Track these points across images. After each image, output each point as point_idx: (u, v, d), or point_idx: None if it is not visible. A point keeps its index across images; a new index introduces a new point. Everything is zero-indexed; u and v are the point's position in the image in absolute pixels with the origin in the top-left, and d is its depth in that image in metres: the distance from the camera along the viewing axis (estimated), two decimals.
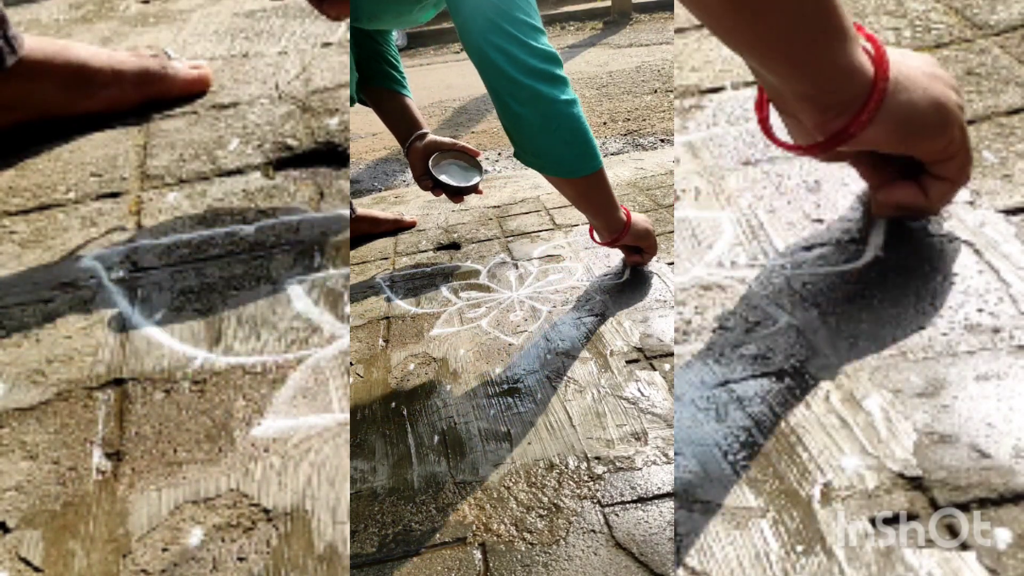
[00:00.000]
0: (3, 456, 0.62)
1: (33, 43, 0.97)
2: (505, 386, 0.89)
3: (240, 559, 0.54)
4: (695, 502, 0.50)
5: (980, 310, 0.57)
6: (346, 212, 0.87)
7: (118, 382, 0.68)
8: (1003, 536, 0.43)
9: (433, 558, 0.64)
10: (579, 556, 0.62)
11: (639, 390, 0.84)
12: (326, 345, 0.70)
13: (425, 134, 1.38)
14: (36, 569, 0.54)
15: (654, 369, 0.88)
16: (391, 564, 0.64)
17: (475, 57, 0.94)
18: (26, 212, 0.90)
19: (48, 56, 0.98)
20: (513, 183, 1.73)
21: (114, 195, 0.91)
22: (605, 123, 2.56)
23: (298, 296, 0.76)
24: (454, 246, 1.38)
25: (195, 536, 0.55)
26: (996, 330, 0.55)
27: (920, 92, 0.50)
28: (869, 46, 0.48)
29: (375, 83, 1.40)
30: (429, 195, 1.74)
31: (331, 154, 0.96)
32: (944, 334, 0.56)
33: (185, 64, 1.09)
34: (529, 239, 1.35)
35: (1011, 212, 0.64)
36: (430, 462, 0.77)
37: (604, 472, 0.72)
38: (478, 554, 0.64)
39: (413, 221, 1.54)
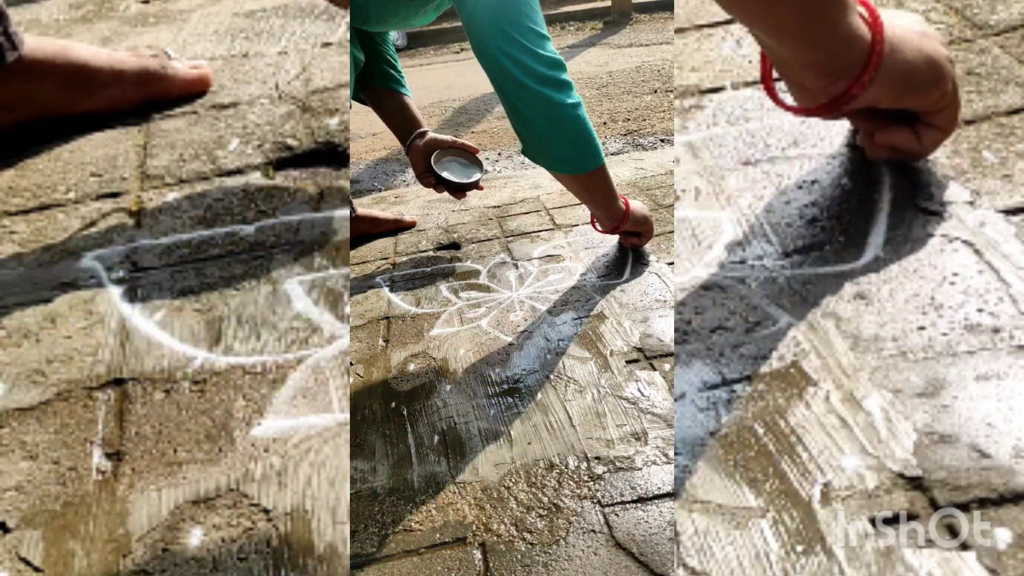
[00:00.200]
0: (3, 456, 0.62)
1: (33, 43, 0.97)
2: (505, 386, 0.89)
3: (240, 559, 0.54)
4: (695, 502, 0.50)
5: (980, 310, 0.57)
6: (346, 212, 0.87)
7: (118, 382, 0.68)
8: (1003, 536, 0.43)
9: (433, 558, 0.64)
10: (579, 556, 0.62)
11: (639, 390, 0.84)
12: (326, 345, 0.70)
13: (425, 132, 1.39)
14: (36, 569, 0.54)
15: (654, 369, 0.88)
16: (391, 564, 0.64)
17: (486, 62, 1.00)
18: (26, 212, 0.90)
19: (48, 56, 0.98)
20: (513, 183, 1.73)
21: (114, 195, 0.91)
22: (605, 123, 2.56)
23: (298, 296, 0.76)
24: (454, 246, 1.38)
25: (195, 536, 0.55)
26: (996, 330, 0.55)
27: (914, 51, 0.54)
28: (864, 11, 0.51)
29: (375, 83, 1.40)
30: (429, 195, 1.74)
31: (331, 154, 0.96)
32: (944, 334, 0.56)
33: (185, 64, 1.09)
34: (529, 239, 1.35)
35: (1011, 212, 0.64)
36: (430, 462, 0.77)
37: (604, 472, 0.72)
38: (478, 554, 0.64)
39: (413, 221, 1.54)
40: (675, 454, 0.53)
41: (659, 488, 0.68)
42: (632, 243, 1.22)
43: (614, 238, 1.27)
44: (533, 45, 0.97)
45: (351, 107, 1.35)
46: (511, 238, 1.37)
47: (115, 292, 0.77)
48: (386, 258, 1.37)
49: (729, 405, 0.55)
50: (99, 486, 0.59)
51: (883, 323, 0.58)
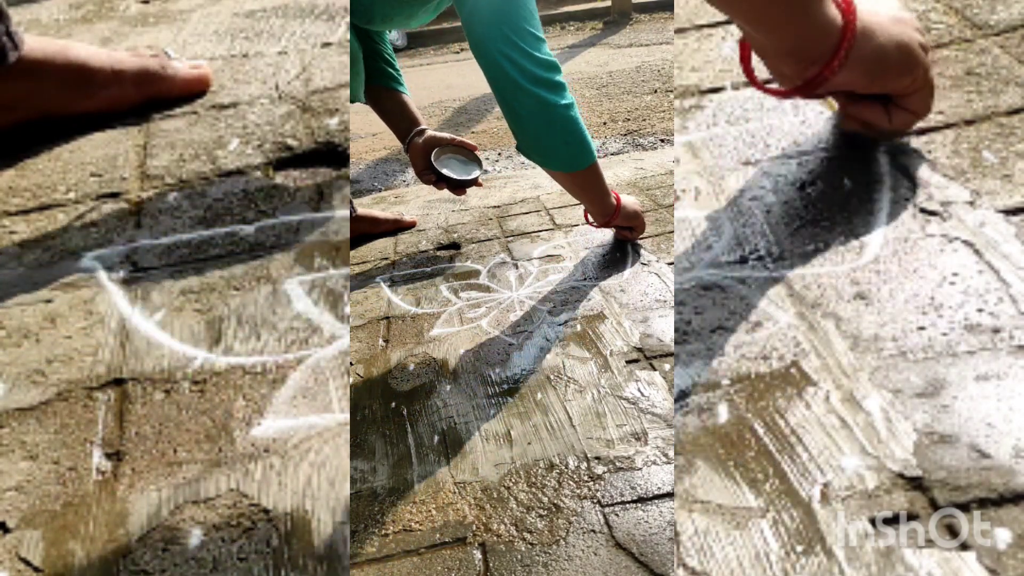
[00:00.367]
0: (3, 456, 0.62)
1: (33, 43, 0.97)
2: (505, 386, 0.89)
3: (240, 559, 0.54)
4: (695, 502, 0.50)
5: (980, 310, 0.57)
6: (346, 212, 0.87)
7: (118, 382, 0.68)
8: (1003, 536, 0.43)
9: (433, 558, 0.64)
10: (579, 556, 0.62)
11: (639, 390, 0.84)
12: (326, 345, 0.70)
13: (424, 130, 1.39)
14: (36, 569, 0.54)
15: (654, 369, 0.88)
16: (391, 564, 0.64)
17: (484, 62, 1.03)
18: (26, 212, 0.90)
19: (48, 56, 0.98)
20: (513, 183, 1.73)
21: (114, 195, 0.91)
22: (605, 123, 2.56)
23: (298, 296, 0.76)
24: (454, 246, 1.38)
25: (195, 536, 0.55)
26: (996, 330, 0.55)
27: (887, 37, 0.56)
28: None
29: (374, 81, 1.40)
30: (429, 195, 1.74)
31: (331, 154, 0.96)
32: (944, 334, 0.56)
33: (185, 64, 1.09)
34: (529, 239, 1.35)
35: (1011, 212, 0.64)
36: (430, 462, 0.77)
37: (604, 472, 0.72)
38: (478, 554, 0.64)
39: (413, 221, 1.54)
40: (675, 454, 0.53)
41: (659, 488, 0.68)
42: (624, 236, 1.27)
43: (614, 238, 1.28)
44: (530, 47, 1.00)
45: (361, 99, 1.35)
46: (511, 238, 1.37)
47: (115, 292, 0.77)
48: (386, 258, 1.37)
49: (729, 405, 0.55)
50: (99, 486, 0.59)
51: (883, 323, 0.58)
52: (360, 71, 1.28)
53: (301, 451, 0.61)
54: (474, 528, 0.67)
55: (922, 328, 0.57)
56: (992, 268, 0.60)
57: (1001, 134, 0.71)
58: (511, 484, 0.72)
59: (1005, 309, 0.56)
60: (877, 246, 0.65)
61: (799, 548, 0.45)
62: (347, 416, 0.64)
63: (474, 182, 1.35)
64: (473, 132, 2.76)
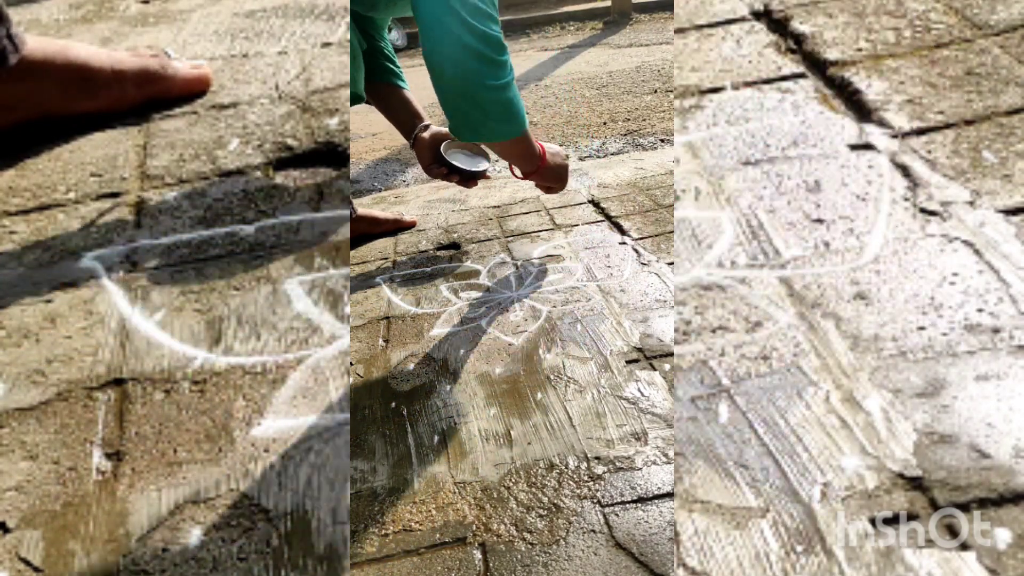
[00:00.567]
0: (3, 456, 0.62)
1: (34, 43, 0.97)
2: (505, 386, 0.89)
3: (240, 559, 0.54)
4: (695, 502, 0.50)
5: (980, 310, 0.57)
6: (346, 212, 0.87)
7: (118, 382, 0.68)
8: (1003, 536, 0.43)
9: (433, 558, 0.64)
10: (579, 556, 0.62)
11: (639, 390, 0.84)
12: (326, 345, 0.70)
13: (428, 125, 1.39)
14: (36, 569, 0.54)
15: (654, 369, 0.88)
16: (391, 564, 0.64)
17: (424, 26, 0.95)
18: (26, 212, 0.90)
19: (49, 56, 0.98)
20: (513, 183, 1.74)
21: (114, 195, 0.91)
22: (605, 123, 2.56)
23: (298, 296, 0.76)
24: (454, 246, 1.38)
25: (195, 536, 0.55)
26: (996, 330, 0.55)
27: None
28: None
29: (375, 79, 1.40)
30: (429, 195, 1.74)
31: (331, 154, 0.96)
32: (944, 334, 0.56)
33: (185, 64, 1.09)
34: (529, 239, 1.35)
35: (1011, 212, 0.64)
36: (430, 462, 0.77)
37: (604, 472, 0.72)
38: (478, 554, 0.64)
39: (413, 221, 1.54)
40: (675, 454, 0.53)
41: (659, 488, 0.68)
42: (546, 188, 1.29)
43: (615, 238, 1.28)
44: (474, 19, 0.94)
45: (362, 95, 1.34)
46: (511, 238, 1.37)
47: (115, 292, 0.77)
48: (386, 258, 1.37)
49: (729, 405, 0.55)
50: (99, 486, 0.59)
51: (883, 323, 0.58)
52: (360, 65, 1.28)
53: (301, 451, 0.61)
54: (474, 528, 0.67)
55: (922, 328, 0.57)
56: (992, 268, 0.60)
57: (1001, 134, 0.71)
58: (511, 484, 0.72)
59: (1005, 309, 0.56)
60: (877, 246, 0.65)
61: (799, 548, 0.45)
62: (347, 416, 0.64)
63: (483, 174, 1.35)
64: None
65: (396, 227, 1.53)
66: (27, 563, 0.54)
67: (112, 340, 0.72)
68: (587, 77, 3.51)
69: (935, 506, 0.46)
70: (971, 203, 0.65)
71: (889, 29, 0.90)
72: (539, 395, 0.86)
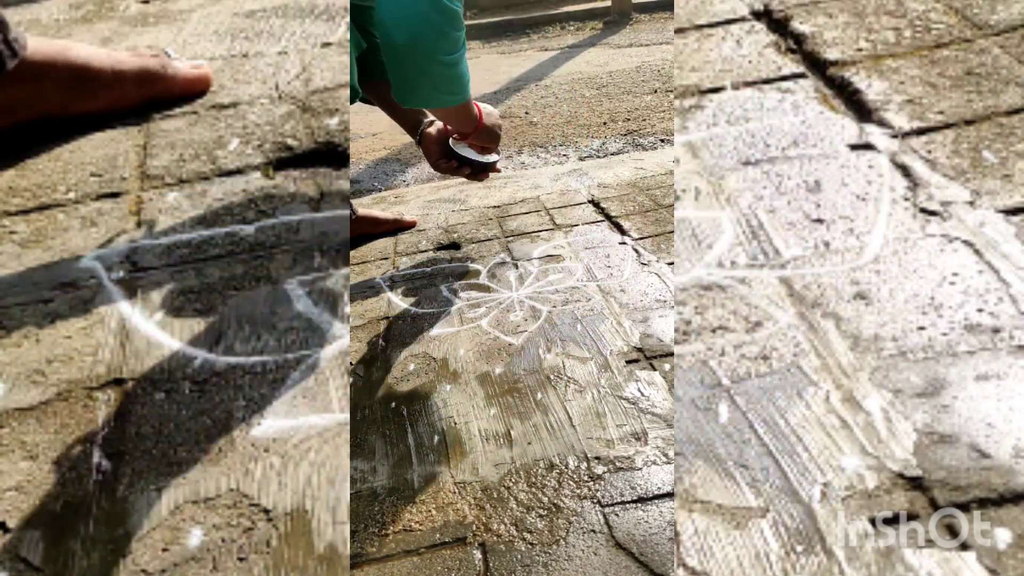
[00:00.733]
0: (3, 456, 0.62)
1: (34, 44, 0.97)
2: (505, 386, 0.89)
3: (240, 559, 0.54)
4: (695, 502, 0.50)
5: (980, 310, 0.57)
6: (346, 212, 0.87)
7: (118, 382, 0.68)
8: (1003, 536, 0.43)
9: (433, 558, 0.64)
10: (579, 556, 0.62)
11: (639, 390, 0.84)
12: (326, 345, 0.70)
13: (433, 121, 1.38)
14: (36, 569, 0.54)
15: (654, 369, 0.88)
16: (391, 564, 0.64)
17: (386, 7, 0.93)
18: (26, 212, 0.90)
19: (49, 58, 0.98)
20: (513, 183, 1.73)
21: (114, 195, 0.91)
22: (605, 123, 2.56)
23: (298, 296, 0.76)
24: (454, 246, 1.38)
25: (195, 536, 0.55)
26: (996, 330, 0.55)
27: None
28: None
29: (377, 77, 1.39)
30: (429, 195, 1.74)
31: (331, 154, 0.96)
32: (944, 334, 0.56)
33: (185, 64, 1.09)
34: (529, 239, 1.35)
35: (1011, 212, 0.64)
36: (430, 462, 0.77)
37: (604, 472, 0.72)
38: (478, 554, 0.64)
39: (413, 221, 1.54)
40: (675, 454, 0.53)
41: (659, 488, 0.68)
42: (480, 150, 1.30)
43: (615, 238, 1.28)
44: None
45: (359, 91, 1.33)
46: (511, 238, 1.37)
47: (115, 292, 0.77)
48: (386, 258, 1.37)
49: (729, 405, 0.55)
50: (99, 486, 0.59)
51: (883, 323, 0.58)
52: (353, 61, 1.27)
53: (301, 451, 0.61)
54: (474, 528, 0.67)
55: (922, 328, 0.57)
56: (992, 268, 0.60)
57: (1001, 134, 0.71)
58: (511, 484, 0.72)
59: (1005, 309, 0.57)
60: (877, 246, 0.65)
61: (799, 548, 0.45)
62: (347, 416, 0.64)
63: (494, 166, 1.34)
64: None
65: (396, 227, 1.53)
66: (27, 563, 0.54)
67: (112, 340, 0.72)
68: (587, 77, 3.51)
69: (935, 506, 0.46)
70: (971, 203, 0.65)
71: (889, 29, 0.90)
72: (539, 395, 0.86)
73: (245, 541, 0.55)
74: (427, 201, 1.70)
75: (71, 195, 0.92)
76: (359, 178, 2.32)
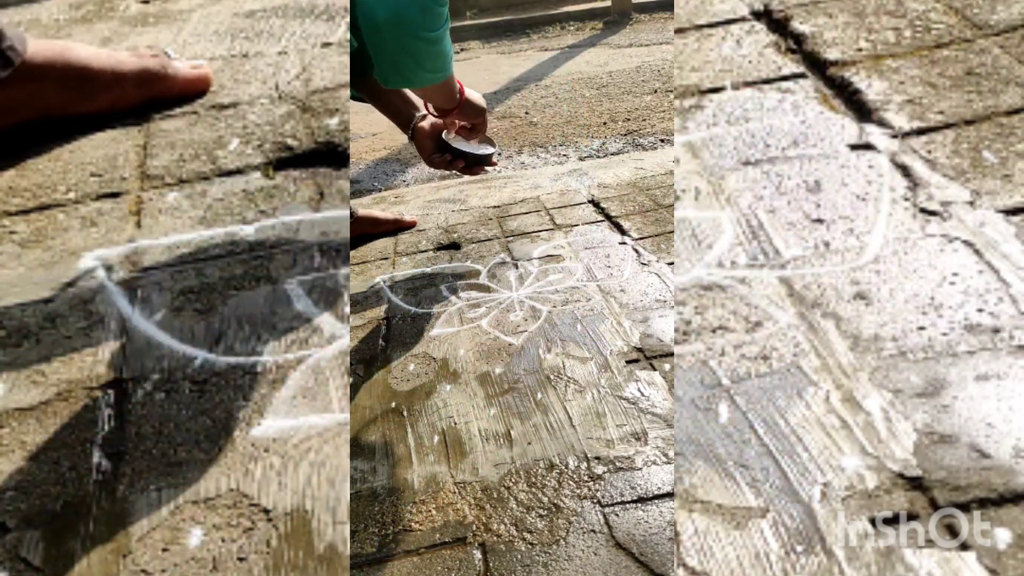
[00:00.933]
0: (3, 456, 0.62)
1: (34, 45, 0.97)
2: (505, 386, 0.89)
3: (240, 559, 0.54)
4: (695, 502, 0.50)
5: (980, 310, 0.57)
6: (346, 212, 0.87)
7: (118, 382, 0.68)
8: (1003, 536, 0.43)
9: (433, 558, 0.64)
10: (579, 556, 0.62)
11: (639, 390, 0.84)
12: (326, 345, 0.70)
13: (425, 115, 1.36)
14: (36, 569, 0.54)
15: (654, 369, 0.88)
16: (391, 564, 0.64)
17: None
18: (26, 212, 0.90)
19: (49, 59, 0.98)
20: (513, 183, 1.73)
21: (114, 195, 0.91)
22: (605, 123, 2.56)
23: (298, 296, 0.76)
24: (454, 246, 1.38)
25: (195, 536, 0.55)
26: (996, 330, 0.55)
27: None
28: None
29: (369, 72, 1.38)
30: (429, 195, 1.74)
31: (331, 154, 0.96)
32: (944, 334, 0.56)
33: (185, 64, 1.09)
34: (529, 239, 1.35)
35: (1011, 212, 0.64)
36: (430, 462, 0.77)
37: (604, 472, 0.72)
38: (478, 554, 0.64)
39: (413, 221, 1.54)
40: (675, 454, 0.53)
41: (659, 488, 0.68)
42: (464, 134, 1.27)
43: (615, 238, 1.28)
44: None
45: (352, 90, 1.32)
46: (511, 238, 1.37)
47: (115, 292, 0.77)
48: (386, 258, 1.37)
49: (729, 405, 0.55)
50: (99, 486, 0.59)
51: (883, 323, 0.58)
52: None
53: (301, 451, 0.61)
54: (474, 528, 0.67)
55: (922, 328, 0.57)
56: (992, 268, 0.60)
57: (1001, 134, 0.71)
58: (511, 484, 0.72)
59: (1005, 309, 0.57)
60: (877, 246, 0.65)
61: (799, 548, 0.45)
62: (347, 416, 0.64)
63: (490, 159, 1.31)
64: None
65: (396, 227, 1.52)
66: (27, 563, 0.54)
67: (112, 340, 0.72)
68: (587, 77, 3.51)
69: (935, 506, 0.46)
70: (971, 203, 0.65)
71: (889, 29, 0.90)
72: (539, 395, 0.86)
73: (245, 541, 0.55)
74: (427, 201, 1.70)
75: (71, 195, 0.92)
76: (359, 178, 2.32)
